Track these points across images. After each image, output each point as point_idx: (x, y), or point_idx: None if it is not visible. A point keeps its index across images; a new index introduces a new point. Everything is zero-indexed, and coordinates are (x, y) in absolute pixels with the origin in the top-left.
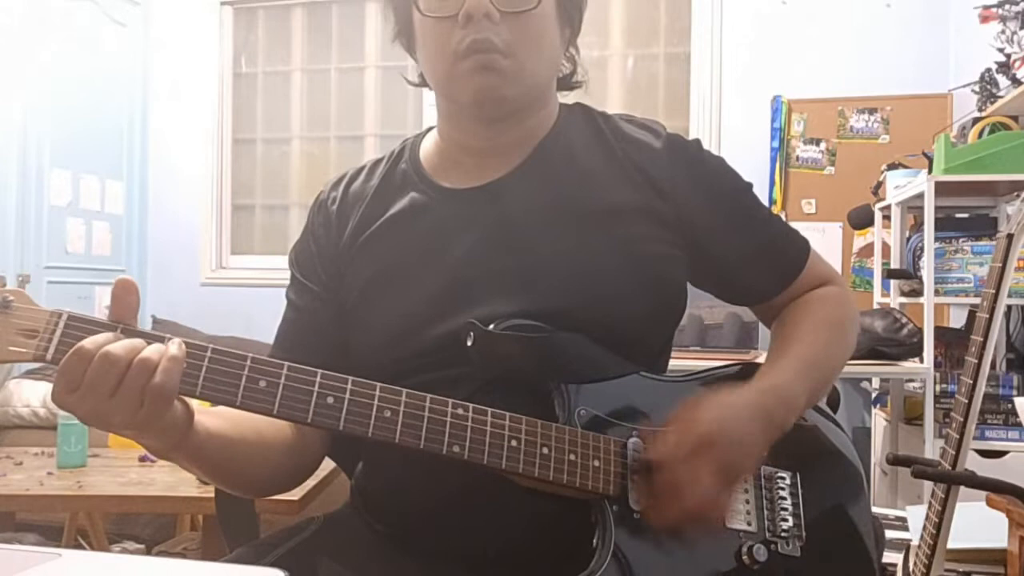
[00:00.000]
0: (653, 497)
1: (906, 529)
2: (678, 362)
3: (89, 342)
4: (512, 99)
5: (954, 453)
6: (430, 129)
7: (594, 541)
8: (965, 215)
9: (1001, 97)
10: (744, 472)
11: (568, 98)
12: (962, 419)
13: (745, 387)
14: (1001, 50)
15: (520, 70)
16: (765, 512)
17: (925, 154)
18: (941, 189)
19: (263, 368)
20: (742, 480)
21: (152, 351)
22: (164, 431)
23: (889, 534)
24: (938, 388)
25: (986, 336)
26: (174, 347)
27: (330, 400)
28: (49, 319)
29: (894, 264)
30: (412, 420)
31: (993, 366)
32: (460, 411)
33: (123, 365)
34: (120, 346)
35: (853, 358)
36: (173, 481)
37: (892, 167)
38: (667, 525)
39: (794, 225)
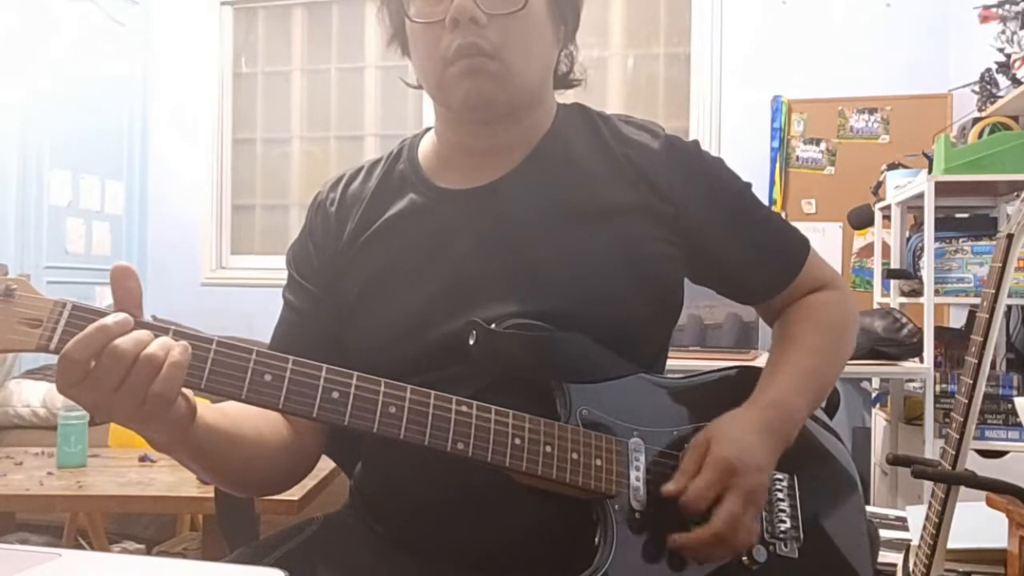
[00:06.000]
0: (696, 543)
1: (906, 529)
2: (678, 362)
3: None
4: (503, 102)
5: (954, 453)
6: (428, 130)
7: (596, 540)
8: (965, 215)
9: (1001, 97)
10: (765, 496)
11: (567, 97)
12: (962, 419)
13: (749, 407)
14: (1001, 50)
15: (509, 72)
16: (764, 513)
17: (925, 154)
18: (941, 189)
19: (268, 362)
20: (764, 500)
21: (157, 347)
22: (167, 425)
23: (889, 534)
24: (938, 388)
25: (986, 336)
26: (176, 352)
27: (335, 395)
28: (53, 308)
29: (894, 264)
30: (416, 416)
31: (993, 366)
32: (464, 408)
33: (129, 359)
34: (127, 340)
35: (853, 358)
36: (173, 481)
37: (892, 167)
38: (707, 557)
39: (794, 225)
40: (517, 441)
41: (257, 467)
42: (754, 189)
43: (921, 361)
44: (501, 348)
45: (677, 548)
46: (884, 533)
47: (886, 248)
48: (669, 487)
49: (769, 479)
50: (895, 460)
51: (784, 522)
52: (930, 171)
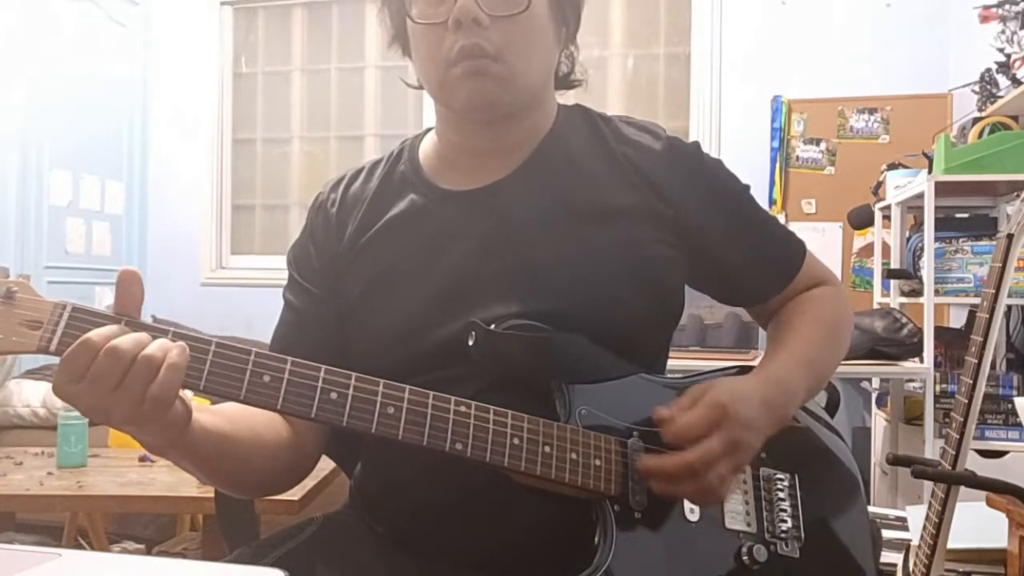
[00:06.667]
0: (661, 466)
1: (906, 529)
2: (678, 362)
3: (95, 334)
4: (505, 103)
5: (954, 453)
6: (428, 130)
7: (595, 539)
8: (965, 215)
9: (1001, 97)
10: (748, 457)
11: (568, 98)
12: (962, 419)
13: (750, 376)
14: (1001, 50)
15: (511, 74)
16: (764, 513)
17: (925, 154)
18: (941, 189)
19: (267, 363)
20: (744, 467)
21: (156, 348)
22: (163, 428)
23: (889, 534)
24: (938, 388)
25: (986, 336)
26: (175, 354)
27: (333, 396)
28: (53, 310)
29: (894, 264)
30: (415, 417)
31: (993, 366)
32: (463, 408)
33: (128, 360)
34: (126, 340)
35: (853, 358)
36: (173, 481)
37: (892, 167)
38: (670, 492)
39: (794, 225)
40: (516, 441)
41: (255, 468)
42: (754, 189)
43: (921, 361)
44: (501, 349)
45: (646, 469)
46: (884, 533)
47: (886, 248)
48: (660, 412)
49: (758, 442)
50: (895, 460)
51: (785, 522)
52: (930, 171)
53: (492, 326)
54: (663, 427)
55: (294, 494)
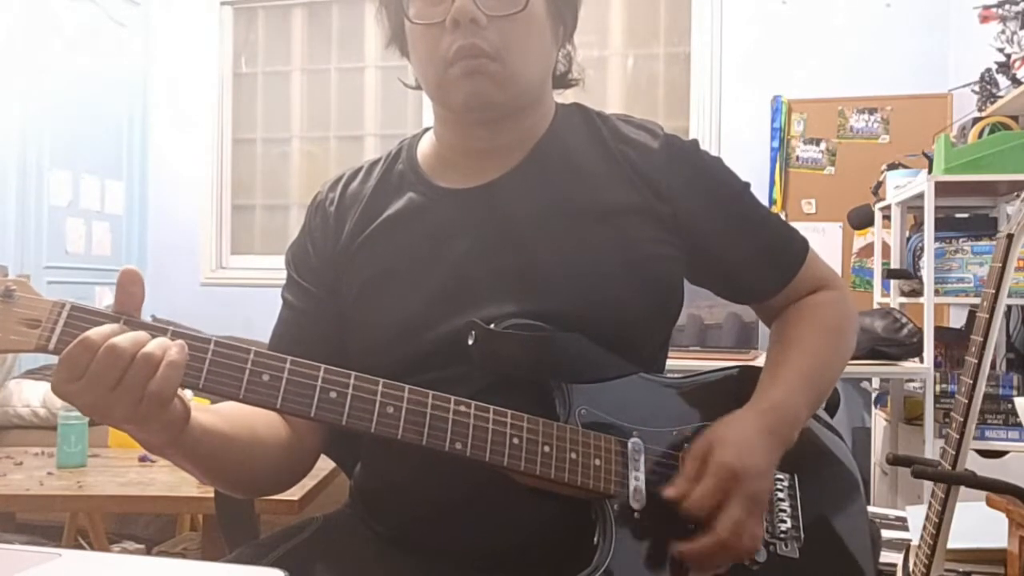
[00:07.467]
0: (699, 551)
1: (906, 529)
2: (678, 362)
3: (94, 332)
4: (503, 103)
5: (954, 453)
6: (427, 130)
7: (595, 539)
8: (965, 215)
9: (1001, 97)
10: (767, 500)
11: (567, 97)
12: (962, 419)
13: (748, 410)
14: (1001, 50)
15: (510, 73)
16: (764, 513)
17: (925, 154)
18: (941, 189)
19: (266, 362)
20: (767, 505)
21: (155, 347)
22: (162, 426)
23: (889, 534)
24: (938, 388)
25: (986, 336)
26: (174, 352)
27: (333, 395)
28: (52, 309)
29: (894, 264)
30: (414, 416)
31: (993, 366)
32: (462, 408)
33: (127, 358)
34: (125, 339)
35: (853, 358)
36: (173, 481)
37: (892, 167)
38: (713, 565)
39: (794, 225)
40: (515, 441)
41: (253, 468)
42: (754, 189)
43: (921, 361)
44: (500, 348)
45: (682, 557)
46: (884, 533)
47: (886, 248)
48: (670, 492)
49: (771, 482)
50: (895, 460)
51: (784, 522)
52: (930, 171)
53: (492, 325)
54: (678, 505)
55: (294, 494)
